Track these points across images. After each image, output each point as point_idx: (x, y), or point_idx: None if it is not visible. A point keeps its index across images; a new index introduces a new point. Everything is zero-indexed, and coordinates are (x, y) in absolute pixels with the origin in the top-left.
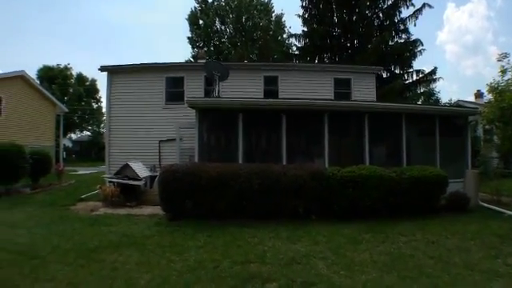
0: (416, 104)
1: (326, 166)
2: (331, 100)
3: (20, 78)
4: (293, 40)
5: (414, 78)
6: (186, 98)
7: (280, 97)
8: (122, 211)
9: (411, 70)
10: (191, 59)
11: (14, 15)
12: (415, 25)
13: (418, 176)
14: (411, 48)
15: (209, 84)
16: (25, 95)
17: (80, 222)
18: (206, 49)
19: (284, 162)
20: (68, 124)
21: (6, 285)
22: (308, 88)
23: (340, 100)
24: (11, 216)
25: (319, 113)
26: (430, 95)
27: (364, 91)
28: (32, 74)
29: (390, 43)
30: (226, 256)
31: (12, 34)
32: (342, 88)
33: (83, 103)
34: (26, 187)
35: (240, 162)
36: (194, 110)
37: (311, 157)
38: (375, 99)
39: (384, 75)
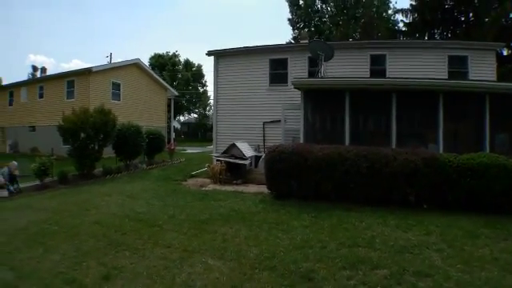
0: None
1: (441, 151)
2: (446, 79)
3: (135, 65)
4: (399, 16)
5: None
6: (290, 80)
7: (388, 76)
8: (229, 188)
9: None
10: (292, 41)
11: (128, 9)
12: None
13: None
14: None
15: (312, 65)
16: (140, 81)
17: (191, 195)
18: (306, 29)
19: (393, 146)
20: (177, 107)
21: (130, 248)
22: (418, 67)
23: (455, 80)
24: (131, 188)
25: (433, 93)
26: None
27: (483, 70)
28: (145, 62)
29: (511, 16)
30: (332, 238)
31: (126, 26)
32: (458, 67)
33: (190, 87)
34: (143, 163)
35: (346, 143)
36: (299, 91)
37: (423, 141)
38: (495, 79)
39: (504, 53)
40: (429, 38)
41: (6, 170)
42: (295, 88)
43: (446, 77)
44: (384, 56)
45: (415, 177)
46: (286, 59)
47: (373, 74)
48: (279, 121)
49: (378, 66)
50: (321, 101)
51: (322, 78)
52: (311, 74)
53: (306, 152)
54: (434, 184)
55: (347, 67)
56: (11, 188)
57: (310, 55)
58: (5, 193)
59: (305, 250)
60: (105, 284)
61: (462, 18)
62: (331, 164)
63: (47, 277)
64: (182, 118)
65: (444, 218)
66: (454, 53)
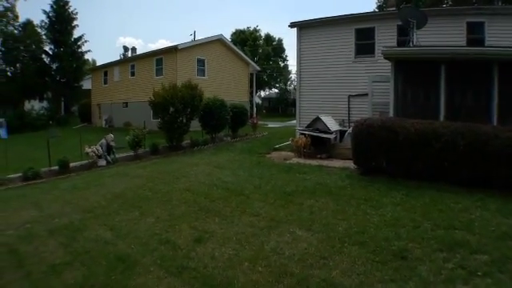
0: None
1: None
2: None
3: (218, 41)
4: None
5: None
6: (377, 50)
7: (489, 45)
8: (313, 162)
9: None
10: (376, 10)
11: None
12: None
13: None
14: None
15: (401, 34)
16: (223, 56)
17: (276, 168)
18: None
19: (494, 123)
20: (258, 82)
21: (219, 214)
22: None
23: None
24: (217, 159)
25: None
26: None
27: None
28: (227, 38)
29: None
30: (426, 218)
31: (208, 3)
32: None
33: (271, 62)
34: (227, 136)
35: (441, 119)
36: (388, 63)
37: None
38: None
39: None
40: None
41: (103, 141)
42: (385, 58)
43: None
44: (482, 24)
45: None
46: (373, 28)
47: (470, 43)
48: (365, 94)
49: (475, 35)
50: (413, 72)
51: (414, 46)
52: (400, 44)
53: (396, 126)
54: None
55: (440, 36)
56: (108, 158)
57: (399, 23)
58: (103, 162)
59: (396, 228)
60: (197, 246)
61: None
62: (424, 140)
63: (143, 237)
64: (262, 94)
65: None
66: None
